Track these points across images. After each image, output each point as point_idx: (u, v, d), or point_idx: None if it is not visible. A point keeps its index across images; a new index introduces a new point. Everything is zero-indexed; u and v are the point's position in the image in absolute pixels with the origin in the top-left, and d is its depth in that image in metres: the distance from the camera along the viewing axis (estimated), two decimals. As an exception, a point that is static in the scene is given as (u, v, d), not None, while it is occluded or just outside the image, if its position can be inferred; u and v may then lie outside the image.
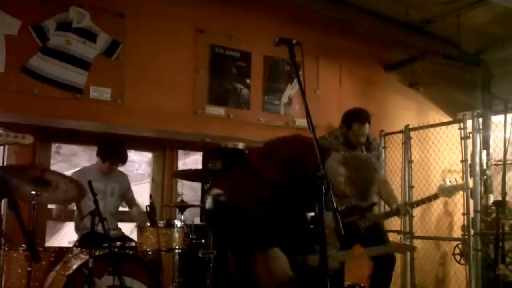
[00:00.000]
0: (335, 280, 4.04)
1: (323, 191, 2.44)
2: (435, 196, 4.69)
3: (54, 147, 5.63)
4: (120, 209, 5.20)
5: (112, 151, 4.87)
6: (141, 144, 5.82)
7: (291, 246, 2.97)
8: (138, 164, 7.17)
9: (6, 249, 3.92)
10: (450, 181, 4.32)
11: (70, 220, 5.28)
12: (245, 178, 3.02)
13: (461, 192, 5.35)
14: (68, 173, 5.29)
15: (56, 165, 6.07)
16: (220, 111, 5.57)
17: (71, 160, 6.49)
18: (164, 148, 5.86)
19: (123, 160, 4.92)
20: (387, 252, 4.25)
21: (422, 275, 6.40)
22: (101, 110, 4.99)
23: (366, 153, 4.80)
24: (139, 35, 5.19)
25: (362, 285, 5.50)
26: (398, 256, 5.70)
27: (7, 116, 4.77)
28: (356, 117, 4.79)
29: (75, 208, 4.92)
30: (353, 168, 2.99)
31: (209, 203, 3.07)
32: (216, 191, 3.05)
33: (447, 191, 4.34)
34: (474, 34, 6.61)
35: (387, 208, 4.94)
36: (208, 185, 3.22)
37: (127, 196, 5.14)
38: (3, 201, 2.13)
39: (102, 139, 5.01)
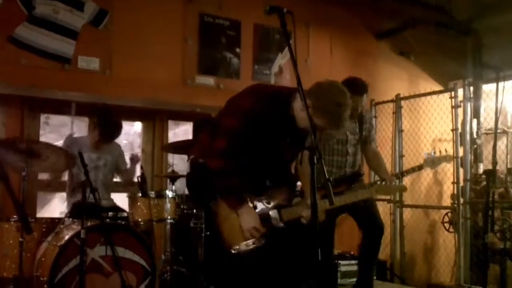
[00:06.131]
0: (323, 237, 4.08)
1: (315, 161, 2.42)
2: (419, 167, 4.68)
3: (43, 117, 5.55)
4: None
5: (111, 128, 4.63)
6: (130, 114, 5.76)
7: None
8: (127, 135, 7.12)
9: (-2, 220, 3.92)
10: (434, 153, 4.30)
11: (61, 190, 5.22)
12: (207, 133, 3.12)
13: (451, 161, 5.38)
14: (59, 142, 5.22)
15: (45, 136, 5.99)
16: (210, 81, 5.53)
17: (61, 131, 6.42)
18: (153, 118, 5.81)
19: (119, 134, 4.80)
20: (374, 195, 4.17)
21: (411, 243, 6.48)
22: (90, 80, 4.94)
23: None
24: (127, 4, 5.12)
25: (352, 253, 5.59)
26: (387, 225, 5.75)
27: (-6, 87, 4.72)
28: (354, 88, 4.71)
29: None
30: (314, 95, 2.83)
31: (187, 167, 3.20)
32: (191, 156, 3.17)
33: (431, 162, 4.34)
34: (465, 1, 6.54)
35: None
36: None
37: (120, 167, 4.95)
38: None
39: (99, 112, 4.70)
